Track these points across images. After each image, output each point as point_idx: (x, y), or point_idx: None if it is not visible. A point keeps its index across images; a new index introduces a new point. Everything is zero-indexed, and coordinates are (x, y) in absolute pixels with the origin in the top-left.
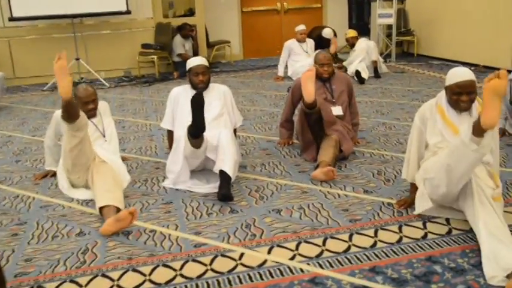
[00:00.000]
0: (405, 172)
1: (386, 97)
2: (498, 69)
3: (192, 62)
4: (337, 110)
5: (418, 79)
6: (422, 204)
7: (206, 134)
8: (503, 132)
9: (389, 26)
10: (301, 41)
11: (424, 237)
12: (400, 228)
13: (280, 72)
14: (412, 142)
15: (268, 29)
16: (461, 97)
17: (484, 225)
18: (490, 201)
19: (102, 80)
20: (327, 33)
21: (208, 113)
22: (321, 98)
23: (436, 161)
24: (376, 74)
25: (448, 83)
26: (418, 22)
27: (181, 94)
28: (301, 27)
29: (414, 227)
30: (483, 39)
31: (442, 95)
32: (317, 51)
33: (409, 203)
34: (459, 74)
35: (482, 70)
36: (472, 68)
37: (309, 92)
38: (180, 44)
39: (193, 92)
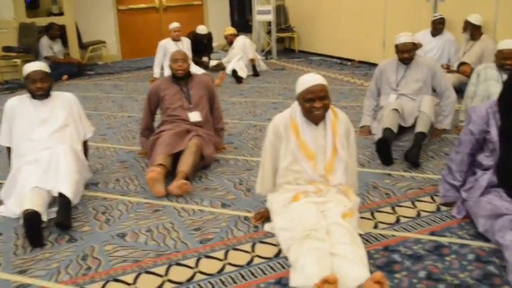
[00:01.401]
0: (259, 187)
1: (262, 96)
2: (372, 63)
3: (29, 68)
4: (194, 116)
5: (296, 76)
6: None
7: (44, 151)
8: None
9: (270, 23)
10: (176, 39)
11: (277, 255)
12: (253, 246)
13: (156, 73)
14: (266, 157)
15: (147, 28)
16: (314, 104)
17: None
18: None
19: None
20: (201, 29)
21: (50, 125)
22: (177, 105)
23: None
24: (255, 72)
25: (299, 91)
26: (298, 18)
27: (17, 106)
28: (174, 25)
29: (268, 243)
30: (358, 34)
31: (296, 108)
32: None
33: (266, 216)
34: (309, 80)
35: (357, 65)
36: (349, 64)
37: (158, 192)
38: (47, 46)
39: (32, 101)
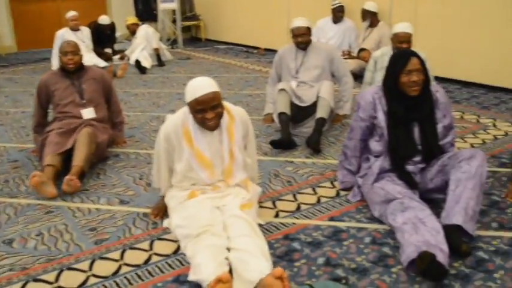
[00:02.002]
0: (157, 182)
1: (166, 87)
2: (277, 51)
3: None
4: (88, 113)
5: (202, 65)
6: None
7: None
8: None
9: (175, 11)
10: (74, 29)
11: (176, 252)
12: (151, 244)
13: (54, 65)
14: (161, 159)
15: (44, 18)
16: (205, 115)
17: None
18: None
19: None
20: (104, 19)
21: None
22: (68, 101)
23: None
24: (160, 62)
25: (188, 100)
26: (204, 6)
27: None
28: (71, 14)
29: (167, 240)
30: (263, 22)
31: (189, 114)
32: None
33: (164, 210)
34: (199, 87)
35: (262, 53)
36: (254, 51)
37: (49, 193)
38: None
39: None
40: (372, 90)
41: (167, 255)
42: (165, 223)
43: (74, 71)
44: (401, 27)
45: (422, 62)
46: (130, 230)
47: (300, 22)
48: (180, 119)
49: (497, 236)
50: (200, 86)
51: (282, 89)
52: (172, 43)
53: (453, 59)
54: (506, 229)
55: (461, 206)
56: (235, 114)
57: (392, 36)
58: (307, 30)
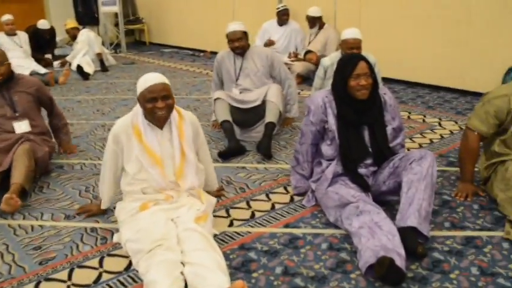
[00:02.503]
0: (101, 192)
1: (110, 93)
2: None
3: None
4: (22, 126)
5: (147, 70)
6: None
7: None
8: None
9: (117, 14)
10: (10, 34)
11: (127, 268)
12: (101, 261)
13: None
14: (107, 163)
15: None
16: (156, 104)
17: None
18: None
19: None
20: (43, 24)
21: None
22: None
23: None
24: (103, 68)
25: (139, 91)
26: (147, 9)
27: None
28: (7, 17)
29: (118, 256)
30: (208, 25)
31: (138, 111)
32: None
33: (94, 212)
34: (149, 79)
35: (209, 56)
36: (201, 55)
37: None
38: None
39: None
40: (322, 94)
41: (119, 273)
42: (115, 238)
43: (2, 82)
44: (350, 34)
45: (370, 66)
46: (78, 247)
47: (235, 26)
48: (130, 117)
49: (450, 236)
50: (151, 77)
51: (218, 98)
52: (116, 47)
53: (397, 60)
54: (458, 228)
55: (414, 208)
56: (184, 114)
57: (342, 42)
58: (244, 35)
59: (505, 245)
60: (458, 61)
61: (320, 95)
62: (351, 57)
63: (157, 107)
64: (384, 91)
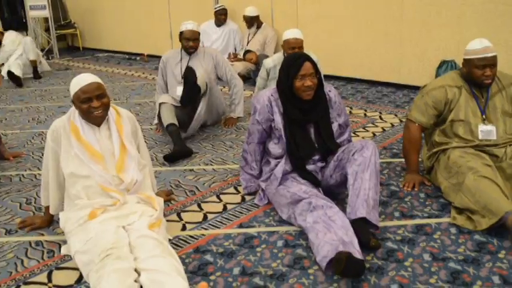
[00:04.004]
0: (44, 198)
1: (46, 101)
2: (161, 56)
3: None
4: None
5: None
6: None
7: None
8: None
9: (48, 19)
10: None
11: (78, 281)
12: (49, 276)
13: None
14: (49, 166)
15: None
16: (91, 104)
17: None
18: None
19: None
20: None
21: None
22: None
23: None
24: (36, 75)
25: (73, 92)
26: (79, 13)
27: None
28: None
29: (67, 268)
30: (144, 27)
31: (74, 110)
32: None
33: (37, 225)
34: (82, 79)
35: (146, 59)
36: (138, 58)
37: None
38: None
39: None
40: (268, 92)
41: (69, 286)
42: (63, 250)
43: None
44: (291, 34)
45: (315, 66)
46: (23, 263)
47: (192, 25)
48: (66, 117)
49: (401, 225)
50: (84, 77)
51: (163, 102)
52: (48, 53)
53: (336, 57)
54: (408, 217)
55: (362, 199)
56: (121, 111)
57: (283, 43)
58: (199, 35)
59: (453, 230)
60: (393, 56)
61: (266, 94)
62: (296, 57)
63: (92, 107)
64: (329, 88)
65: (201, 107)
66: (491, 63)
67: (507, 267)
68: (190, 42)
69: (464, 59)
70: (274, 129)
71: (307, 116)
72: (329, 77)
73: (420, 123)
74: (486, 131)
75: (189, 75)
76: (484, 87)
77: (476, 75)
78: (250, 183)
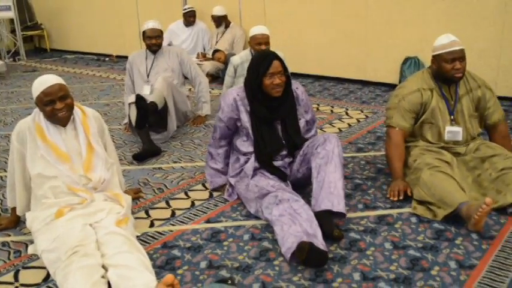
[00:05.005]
0: (10, 200)
1: (12, 103)
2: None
3: None
4: None
5: None
6: None
7: None
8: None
9: (13, 20)
10: None
11: (46, 279)
12: (16, 275)
13: None
14: (15, 167)
15: None
16: (55, 106)
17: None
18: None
19: None
20: None
21: None
22: None
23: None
24: None
25: (35, 95)
26: (46, 14)
27: None
28: None
29: (35, 267)
30: (112, 28)
31: (39, 111)
32: None
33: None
34: (44, 81)
35: (115, 60)
36: (107, 59)
37: None
38: None
39: None
40: (234, 92)
41: (37, 285)
42: (30, 249)
43: None
44: (257, 30)
45: (283, 64)
46: None
47: (154, 24)
48: (31, 118)
49: (364, 216)
50: (45, 79)
51: (132, 102)
52: (14, 55)
53: (303, 55)
54: (371, 208)
55: (326, 191)
56: (87, 110)
57: (250, 39)
58: (161, 33)
59: (413, 219)
60: (359, 54)
61: (232, 93)
62: (265, 55)
63: (56, 109)
64: (296, 86)
65: (170, 108)
66: (460, 55)
67: (463, 253)
68: (152, 40)
69: (433, 56)
70: (241, 127)
71: (274, 114)
72: (297, 75)
73: (402, 128)
74: (453, 132)
75: (139, 102)
76: (455, 81)
77: (446, 70)
78: (214, 178)
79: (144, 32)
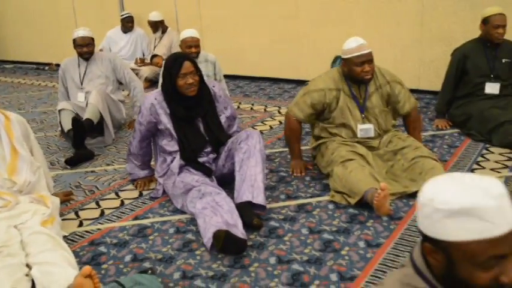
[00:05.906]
0: None
1: None
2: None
3: None
4: None
5: None
6: None
7: None
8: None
9: None
10: None
11: None
12: None
13: None
14: None
15: None
16: None
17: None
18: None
19: None
20: None
21: None
22: None
23: None
24: None
25: None
26: None
27: None
28: None
29: None
30: (51, 37)
31: None
32: None
33: None
34: None
35: (54, 68)
36: (46, 68)
37: None
38: None
39: None
40: (152, 96)
41: None
42: None
43: None
44: (187, 33)
45: (195, 64)
46: None
47: (84, 32)
48: None
49: (285, 206)
50: None
51: (62, 109)
52: None
53: (239, 57)
54: (292, 198)
55: (247, 184)
56: (10, 115)
57: (181, 42)
58: (92, 40)
59: (330, 206)
60: (292, 54)
61: (150, 97)
62: (176, 57)
63: None
64: (213, 84)
65: (107, 122)
66: (368, 58)
67: (372, 233)
68: (84, 48)
69: (343, 59)
70: (163, 129)
71: (192, 112)
72: (234, 76)
73: (297, 118)
74: (365, 129)
75: (75, 123)
76: (365, 83)
77: (356, 72)
78: (134, 170)
79: (74, 40)
